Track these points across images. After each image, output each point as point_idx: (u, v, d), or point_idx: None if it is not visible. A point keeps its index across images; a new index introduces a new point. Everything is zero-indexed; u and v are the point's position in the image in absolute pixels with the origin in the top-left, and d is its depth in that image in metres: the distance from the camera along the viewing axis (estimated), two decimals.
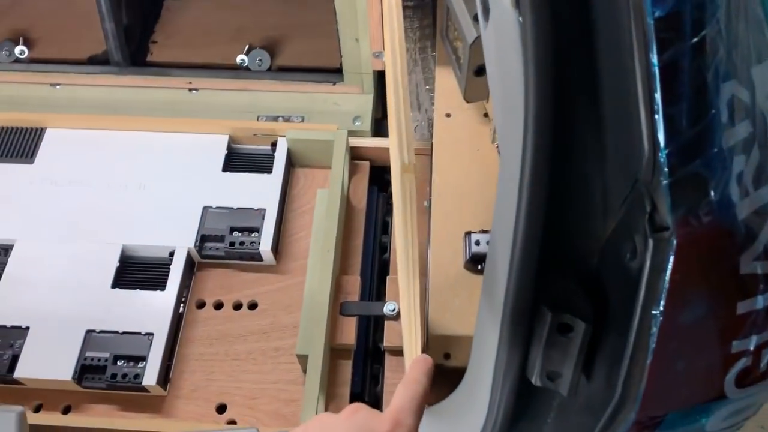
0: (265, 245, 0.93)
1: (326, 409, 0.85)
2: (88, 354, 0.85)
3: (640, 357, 0.45)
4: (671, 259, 0.41)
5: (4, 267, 0.92)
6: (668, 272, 0.41)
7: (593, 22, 0.41)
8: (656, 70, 0.38)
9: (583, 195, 0.47)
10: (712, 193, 0.40)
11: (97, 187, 0.98)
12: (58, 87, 1.08)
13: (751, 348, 0.45)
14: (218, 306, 0.94)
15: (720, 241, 0.42)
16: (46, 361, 0.84)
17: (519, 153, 0.45)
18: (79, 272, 0.91)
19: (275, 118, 1.05)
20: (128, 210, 0.96)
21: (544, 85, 0.42)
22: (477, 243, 0.75)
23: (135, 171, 0.99)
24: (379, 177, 1.06)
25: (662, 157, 0.40)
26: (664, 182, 0.40)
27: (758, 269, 0.43)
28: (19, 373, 0.84)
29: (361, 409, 0.50)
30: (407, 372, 0.56)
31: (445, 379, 0.75)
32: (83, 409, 0.86)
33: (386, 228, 1.04)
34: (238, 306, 0.94)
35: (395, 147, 0.47)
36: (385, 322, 0.87)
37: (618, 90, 0.41)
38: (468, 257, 0.76)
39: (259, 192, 0.97)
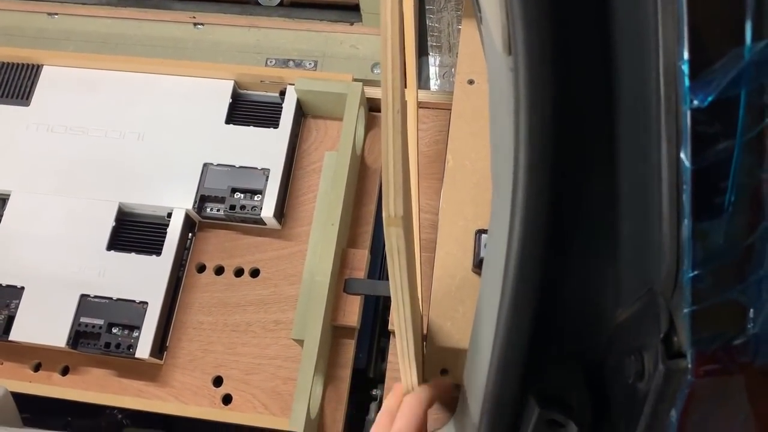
0: (268, 211, 0.86)
1: (324, 396, 0.81)
2: (83, 320, 0.82)
3: None
4: (685, 396, 0.32)
5: (0, 219, 0.88)
6: (678, 412, 0.33)
7: (611, 89, 0.30)
8: (688, 173, 0.28)
9: (589, 276, 0.38)
10: (750, 326, 0.31)
11: (94, 135, 0.92)
12: (55, 17, 0.99)
13: None
14: (219, 271, 0.89)
15: (754, 382, 0.32)
16: (41, 324, 0.82)
17: (507, 214, 0.36)
18: (74, 230, 0.86)
19: (285, 62, 0.94)
20: (126, 163, 0.90)
21: (535, 165, 0.31)
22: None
23: (133, 118, 0.92)
24: None
25: (687, 279, 0.30)
26: (686, 310, 0.30)
27: None
28: (14, 335, 0.82)
29: None
30: (403, 404, 0.54)
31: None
32: (81, 372, 0.85)
33: None
34: (239, 272, 0.88)
35: (385, 194, 0.38)
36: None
37: (638, 177, 0.31)
38: (477, 261, 0.67)
39: (264, 149, 0.89)
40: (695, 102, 0.26)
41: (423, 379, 0.60)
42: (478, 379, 0.42)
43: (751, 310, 0.31)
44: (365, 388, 0.88)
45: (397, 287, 0.42)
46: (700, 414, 0.33)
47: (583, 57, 0.30)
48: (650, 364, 0.33)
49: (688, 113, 0.26)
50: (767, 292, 0.30)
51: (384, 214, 0.40)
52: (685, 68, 0.25)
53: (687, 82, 0.26)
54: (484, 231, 0.68)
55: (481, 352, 0.42)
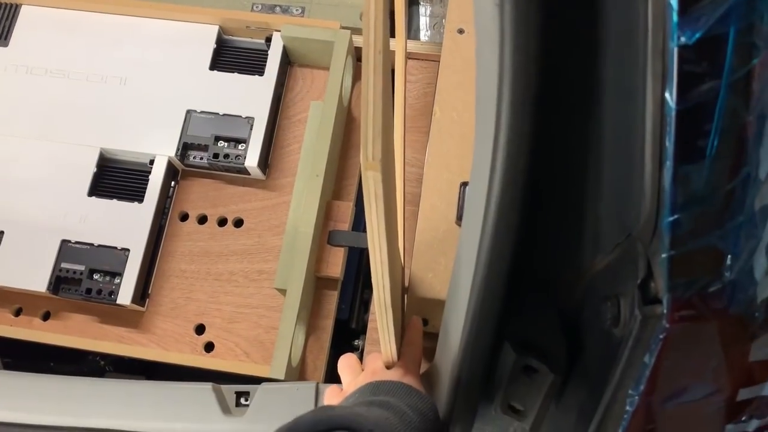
0: (251, 160, 0.85)
1: (306, 345, 0.81)
2: (63, 265, 0.82)
3: (610, 429, 0.37)
4: (660, 342, 0.32)
5: None
6: (654, 356, 0.33)
7: (599, 28, 0.29)
8: (672, 114, 0.27)
9: (569, 223, 0.38)
10: (727, 273, 0.30)
11: (75, 78, 0.90)
12: None
13: (751, 431, 0.37)
14: (202, 220, 0.88)
15: (727, 327, 0.32)
16: (22, 269, 0.81)
17: (489, 160, 0.35)
18: (55, 176, 0.85)
19: (272, 8, 0.92)
20: (107, 108, 0.88)
21: (518, 102, 0.31)
22: None
23: (116, 62, 0.90)
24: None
25: (666, 224, 0.29)
26: (664, 255, 0.30)
27: None
28: None
29: (376, 372, 0.56)
30: (407, 334, 0.60)
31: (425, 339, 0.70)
32: (62, 317, 0.84)
33: None
34: (222, 222, 0.88)
35: (363, 137, 0.37)
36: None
37: (622, 120, 0.30)
38: (460, 213, 0.67)
39: (248, 97, 0.87)
40: (682, 39, 0.25)
41: (401, 328, 0.60)
42: (456, 324, 0.43)
43: (729, 257, 0.30)
44: (347, 339, 0.88)
45: (373, 232, 0.42)
46: (674, 360, 0.33)
47: None
48: (626, 309, 0.33)
49: (675, 50, 0.26)
50: (746, 239, 0.30)
51: (362, 158, 0.40)
52: (674, 2, 0.24)
53: (675, 17, 0.25)
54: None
55: (459, 297, 0.42)
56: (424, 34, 0.94)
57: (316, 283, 0.84)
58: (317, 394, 0.61)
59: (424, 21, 0.95)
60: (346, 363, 0.61)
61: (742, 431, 0.37)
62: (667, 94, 0.26)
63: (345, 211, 0.84)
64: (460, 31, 0.76)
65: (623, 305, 0.34)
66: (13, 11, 0.93)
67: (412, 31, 0.95)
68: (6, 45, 0.92)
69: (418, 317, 0.61)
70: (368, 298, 0.89)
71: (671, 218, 0.29)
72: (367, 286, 0.90)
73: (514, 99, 0.31)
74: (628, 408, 0.35)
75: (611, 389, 0.36)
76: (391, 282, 0.48)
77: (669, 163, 0.28)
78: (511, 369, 0.41)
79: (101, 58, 0.90)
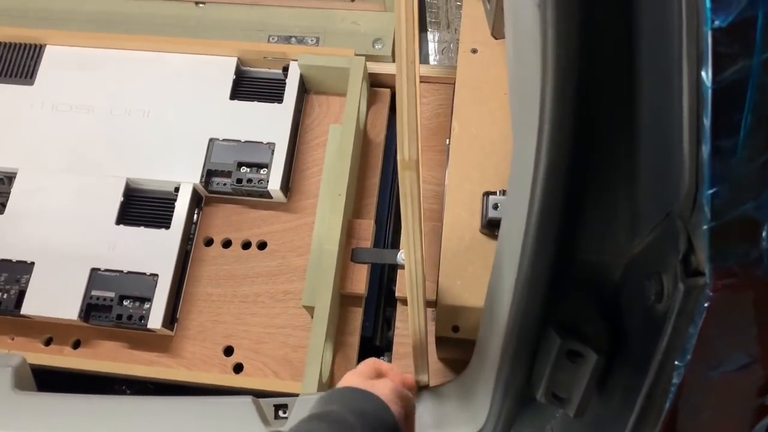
0: (274, 184, 0.87)
1: (333, 361, 0.83)
2: (94, 293, 0.83)
3: (657, 404, 0.39)
4: (704, 311, 0.34)
5: (8, 197, 0.89)
6: (699, 325, 0.35)
7: (634, 20, 0.32)
8: (708, 93, 0.30)
9: (607, 207, 0.40)
10: (764, 242, 0.33)
11: (99, 112, 0.93)
12: None
13: None
14: (226, 244, 0.90)
15: (766, 296, 0.34)
16: (53, 298, 0.83)
17: (533, 150, 0.38)
18: (83, 206, 0.87)
19: (287, 39, 0.96)
20: (132, 139, 0.91)
21: (563, 88, 0.33)
22: (495, 207, 0.67)
23: (139, 96, 0.93)
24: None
25: (705, 197, 0.32)
26: (705, 227, 0.33)
27: None
28: (26, 309, 0.83)
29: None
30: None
31: (455, 346, 0.71)
32: (92, 345, 0.86)
33: None
34: (246, 245, 0.90)
35: (400, 139, 0.40)
36: (398, 270, 0.83)
37: (659, 103, 0.33)
38: (485, 222, 0.69)
39: (268, 123, 0.91)
40: (716, 22, 0.28)
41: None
42: (499, 318, 0.45)
43: (765, 226, 0.33)
44: (373, 356, 0.89)
45: (409, 230, 0.44)
46: (717, 328, 0.35)
47: None
48: (669, 284, 0.36)
49: (710, 34, 0.28)
50: None
51: (399, 158, 0.42)
52: None
53: (708, 3, 0.28)
54: (492, 193, 0.70)
55: (502, 290, 0.44)
56: (433, 59, 0.98)
57: (341, 300, 0.85)
58: None
59: (432, 47, 0.98)
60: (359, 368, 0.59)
61: None
62: (703, 74, 0.29)
63: (366, 228, 0.86)
64: (474, 51, 0.79)
65: (666, 281, 0.36)
66: (38, 51, 0.96)
67: (421, 57, 0.99)
68: (32, 83, 0.95)
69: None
70: (390, 315, 0.91)
71: (710, 191, 0.31)
72: (389, 303, 0.91)
73: (557, 92, 0.33)
74: (675, 380, 0.37)
75: (656, 364, 0.38)
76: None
77: (707, 139, 0.30)
78: (555, 354, 0.43)
79: (124, 92, 0.93)
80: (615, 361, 0.43)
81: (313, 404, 0.51)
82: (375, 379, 0.54)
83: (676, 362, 0.36)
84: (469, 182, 0.71)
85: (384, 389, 0.51)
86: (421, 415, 0.63)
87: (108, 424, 0.63)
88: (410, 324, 0.53)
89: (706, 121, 0.30)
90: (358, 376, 0.55)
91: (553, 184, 0.36)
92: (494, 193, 0.69)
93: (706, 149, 0.31)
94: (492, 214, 0.68)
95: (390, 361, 0.86)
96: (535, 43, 0.34)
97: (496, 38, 0.70)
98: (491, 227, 0.68)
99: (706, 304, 0.34)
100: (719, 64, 0.29)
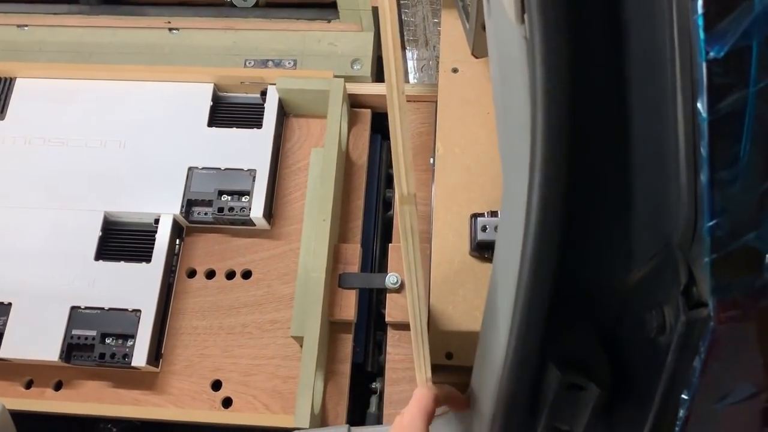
0: (257, 211, 0.86)
1: (325, 391, 0.81)
2: (75, 332, 0.81)
3: None
4: (708, 343, 0.33)
5: None
6: (703, 358, 0.34)
7: (625, 51, 0.31)
8: (705, 124, 0.29)
9: (604, 239, 0.39)
10: (767, 272, 0.32)
11: (73, 145, 0.90)
12: (25, 29, 0.98)
13: None
14: (210, 275, 0.88)
15: None
16: (32, 340, 0.80)
17: (524, 184, 0.37)
18: (59, 242, 0.85)
19: (264, 63, 0.94)
20: (108, 172, 0.88)
21: (554, 124, 0.32)
22: (484, 229, 0.66)
23: (114, 126, 0.91)
24: (382, 124, 0.96)
25: (706, 229, 0.31)
26: (706, 259, 0.32)
27: None
28: (4, 352, 0.80)
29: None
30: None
31: (450, 372, 0.70)
32: (75, 386, 0.83)
33: (390, 181, 0.96)
34: (230, 275, 0.88)
35: (396, 174, 0.39)
36: (387, 295, 0.81)
37: (653, 135, 0.32)
38: (474, 245, 0.68)
39: (248, 150, 0.89)
40: (711, 54, 0.27)
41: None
42: (495, 354, 0.43)
43: (767, 256, 0.32)
44: (365, 382, 0.88)
45: (410, 265, 0.43)
46: (723, 360, 0.34)
47: (595, 20, 0.31)
48: (671, 316, 0.35)
49: (704, 65, 0.27)
50: None
51: (396, 194, 0.41)
52: (700, 21, 0.26)
53: (702, 34, 0.27)
54: (480, 214, 0.69)
55: (497, 326, 0.43)
56: (413, 77, 0.97)
57: (330, 327, 0.84)
58: None
59: (411, 64, 0.98)
60: (420, 404, 0.54)
61: None
62: (699, 105, 0.28)
63: (353, 253, 0.85)
64: (454, 70, 0.78)
65: (667, 313, 0.35)
66: (8, 84, 0.94)
67: None
68: (3, 118, 0.92)
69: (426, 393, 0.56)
70: (381, 340, 0.89)
71: (711, 223, 0.30)
72: (379, 327, 0.90)
73: (548, 127, 0.32)
74: (681, 413, 0.36)
75: (660, 396, 0.37)
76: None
77: (705, 170, 0.30)
78: (556, 389, 0.41)
79: (99, 123, 0.91)
80: (618, 394, 0.42)
81: None
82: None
83: (682, 396, 0.35)
84: (456, 204, 0.70)
85: None
86: None
87: None
88: (416, 361, 0.51)
89: (704, 152, 0.29)
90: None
91: (546, 218, 0.35)
92: (482, 215, 0.68)
93: (704, 180, 0.30)
94: (481, 236, 0.66)
95: (382, 386, 0.84)
96: (523, 73, 0.33)
97: (476, 57, 0.69)
98: (480, 249, 0.67)
99: (710, 337, 0.33)
100: (715, 95, 0.28)
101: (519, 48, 0.33)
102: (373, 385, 0.88)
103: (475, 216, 0.68)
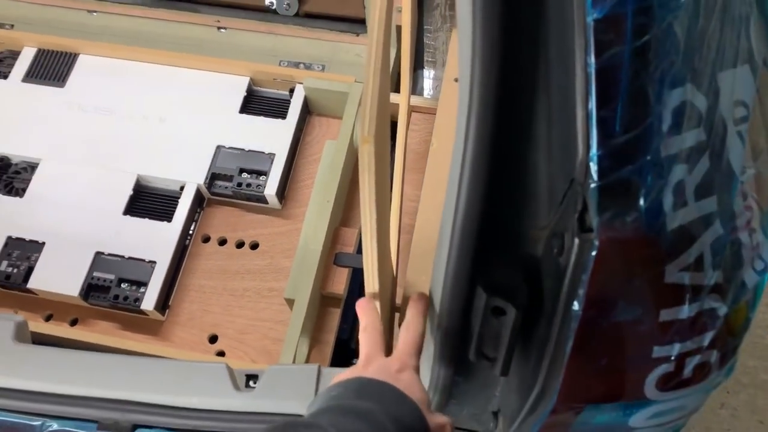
0: (271, 189, 0.95)
1: (309, 354, 0.89)
2: (95, 274, 0.91)
3: (560, 351, 0.46)
4: (593, 260, 0.41)
5: (29, 183, 0.98)
6: (588, 273, 0.42)
7: (546, 17, 0.40)
8: (592, 72, 0.38)
9: (530, 185, 0.47)
10: (642, 201, 0.40)
11: (120, 116, 1.02)
12: (94, 14, 1.12)
13: (674, 355, 0.45)
14: (222, 242, 0.98)
15: (644, 249, 0.41)
16: (57, 276, 0.91)
17: (464, 124, 0.46)
18: (95, 196, 0.96)
19: (296, 65, 1.06)
20: (146, 140, 1.00)
21: (488, 75, 0.41)
22: None
23: (157, 103, 1.03)
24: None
25: (593, 159, 0.40)
26: (593, 185, 0.40)
27: (685, 280, 0.43)
28: (32, 284, 0.90)
29: (372, 360, 0.56)
30: (407, 314, 0.59)
31: None
32: (88, 324, 0.93)
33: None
34: (240, 244, 0.97)
35: (363, 117, 0.48)
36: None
37: (563, 85, 0.41)
38: None
39: (271, 136, 1.00)
40: (595, 14, 0.36)
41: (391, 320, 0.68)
42: (439, 280, 0.52)
43: (643, 189, 0.40)
44: (347, 358, 0.95)
45: (364, 200, 0.51)
46: (606, 276, 0.42)
47: None
48: (569, 240, 0.43)
49: (591, 24, 0.37)
50: (651, 176, 0.40)
51: (358, 134, 0.50)
52: None
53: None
54: None
55: (441, 257, 0.52)
56: (427, 93, 1.07)
57: (321, 300, 0.92)
58: (319, 376, 0.69)
59: (428, 83, 1.08)
60: (369, 330, 0.58)
61: (667, 354, 0.45)
62: (589, 58, 0.37)
63: (351, 236, 0.94)
64: (456, 80, 0.88)
65: (567, 237, 0.43)
66: (71, 59, 1.07)
67: (417, 90, 1.08)
68: (63, 86, 1.05)
69: (423, 293, 0.60)
70: None
71: (596, 153, 0.39)
72: None
73: (483, 71, 0.42)
74: (573, 325, 0.44)
75: (560, 313, 0.45)
76: (380, 277, 0.57)
77: (593, 110, 0.38)
78: (482, 311, 0.49)
79: (144, 99, 1.03)
80: (533, 317, 0.49)
81: (336, 385, 0.51)
82: (402, 373, 0.52)
83: (573, 308, 0.43)
84: (441, 191, 0.78)
85: (417, 393, 0.50)
86: None
87: (96, 375, 0.69)
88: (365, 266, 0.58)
89: (592, 96, 0.38)
90: (379, 352, 0.55)
91: (478, 167, 0.44)
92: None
93: (593, 116, 0.39)
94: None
95: None
96: (468, 38, 0.43)
97: None
98: None
99: (594, 254, 0.41)
100: (600, 48, 0.37)
101: (467, 11, 0.42)
102: (355, 362, 0.95)
103: None
